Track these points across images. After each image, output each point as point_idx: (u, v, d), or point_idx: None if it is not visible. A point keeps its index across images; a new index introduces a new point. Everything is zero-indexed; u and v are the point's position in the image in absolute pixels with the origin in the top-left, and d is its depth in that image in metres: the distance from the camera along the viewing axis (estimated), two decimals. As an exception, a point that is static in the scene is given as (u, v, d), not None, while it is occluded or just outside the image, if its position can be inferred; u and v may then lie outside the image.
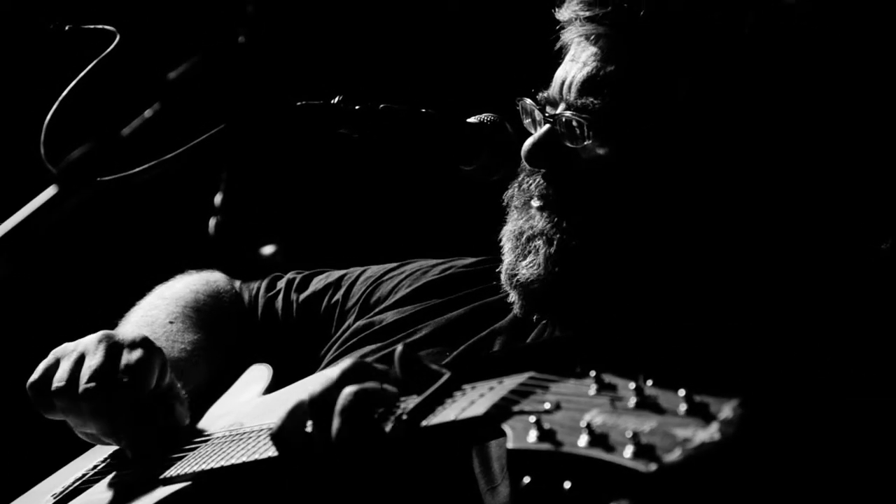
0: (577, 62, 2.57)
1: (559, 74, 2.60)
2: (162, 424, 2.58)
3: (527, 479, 1.75)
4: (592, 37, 2.56)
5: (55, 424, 2.60)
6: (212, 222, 4.37)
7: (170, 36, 3.65)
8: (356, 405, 1.98)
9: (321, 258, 4.26)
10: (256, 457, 2.27)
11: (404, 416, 1.94)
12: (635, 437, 1.64)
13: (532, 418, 1.75)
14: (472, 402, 1.90)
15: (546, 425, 1.74)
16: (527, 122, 2.64)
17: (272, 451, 2.20)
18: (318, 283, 3.08)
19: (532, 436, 1.74)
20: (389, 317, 2.81)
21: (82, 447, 2.80)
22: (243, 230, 4.40)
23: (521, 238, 2.58)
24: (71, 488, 2.72)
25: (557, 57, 2.65)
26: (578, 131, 2.52)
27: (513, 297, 2.61)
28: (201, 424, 2.66)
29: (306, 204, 4.57)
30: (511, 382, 1.89)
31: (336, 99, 2.43)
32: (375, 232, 4.44)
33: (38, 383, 2.57)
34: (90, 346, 2.57)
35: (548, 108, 2.59)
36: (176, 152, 2.19)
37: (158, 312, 3.00)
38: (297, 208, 4.57)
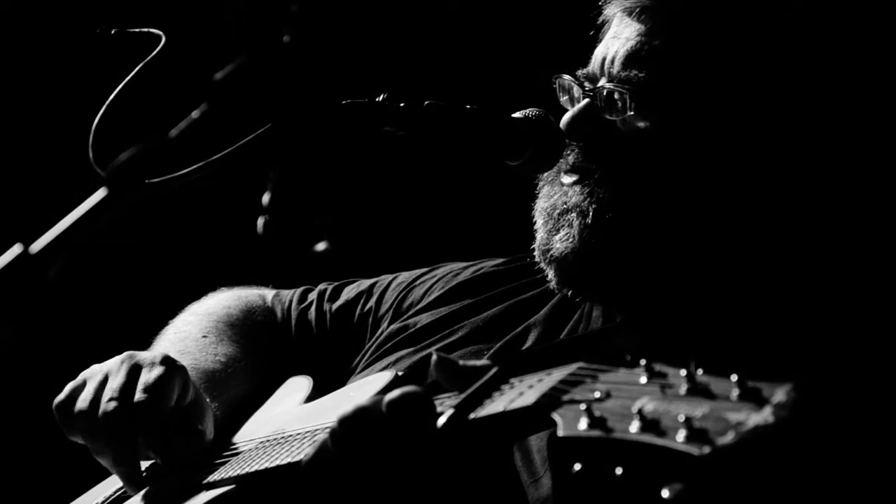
0: (619, 38, 2.58)
1: (600, 51, 2.61)
2: (188, 440, 2.58)
3: (577, 467, 1.75)
4: (636, 11, 2.56)
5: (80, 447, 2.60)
6: (260, 222, 4.39)
7: (215, 37, 3.67)
8: (405, 402, 1.97)
9: (369, 254, 4.27)
10: (296, 459, 2.27)
11: (452, 410, 1.94)
12: (688, 422, 1.64)
13: (582, 406, 1.75)
14: (520, 394, 1.90)
15: (597, 413, 1.74)
16: (563, 98, 2.65)
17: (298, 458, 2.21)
18: (349, 292, 3.09)
19: (583, 423, 1.74)
20: (424, 319, 2.81)
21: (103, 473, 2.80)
22: (292, 229, 4.42)
23: (555, 212, 2.58)
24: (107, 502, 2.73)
25: (594, 39, 2.66)
26: (620, 103, 2.52)
27: (548, 272, 2.60)
28: (240, 434, 2.66)
29: (353, 202, 4.58)
30: (560, 374, 1.89)
31: (381, 97, 2.43)
32: (420, 228, 4.44)
33: (63, 404, 2.59)
34: (113, 368, 2.60)
35: (586, 84, 2.59)
36: (223, 153, 2.20)
37: (191, 328, 3.01)
38: (344, 206, 4.58)
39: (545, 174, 2.62)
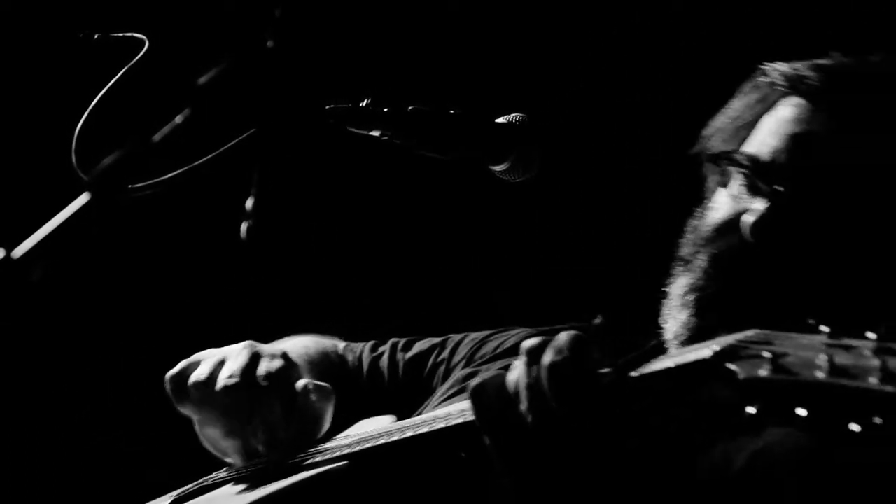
0: (804, 135, 2.47)
1: (776, 141, 2.49)
2: (293, 435, 2.62)
3: (752, 410, 1.74)
4: (826, 115, 2.47)
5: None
6: (243, 227, 4.38)
7: (198, 42, 3.67)
8: (580, 338, 1.99)
9: (353, 258, 4.28)
10: (442, 426, 2.23)
11: (613, 367, 1.92)
12: (882, 370, 1.63)
13: (765, 353, 1.74)
14: (692, 352, 1.88)
15: (780, 362, 1.73)
16: (717, 176, 2.55)
17: (459, 420, 2.18)
18: (422, 344, 3.10)
19: (764, 370, 1.73)
20: (495, 367, 2.79)
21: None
22: (275, 234, 4.41)
23: (715, 297, 2.45)
24: (192, 490, 2.74)
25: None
26: (808, 209, 2.41)
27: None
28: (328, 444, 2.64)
29: (336, 206, 4.58)
30: (736, 335, 1.86)
31: (365, 101, 2.43)
32: (403, 232, 4.44)
33: (177, 375, 2.66)
34: (233, 352, 2.67)
35: (760, 175, 2.47)
36: (207, 157, 2.21)
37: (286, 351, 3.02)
38: (327, 211, 4.58)
39: (697, 257, 2.50)
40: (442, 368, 3.01)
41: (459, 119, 2.49)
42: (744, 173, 2.49)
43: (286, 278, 4.40)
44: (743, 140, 2.57)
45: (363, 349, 3.17)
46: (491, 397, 2.07)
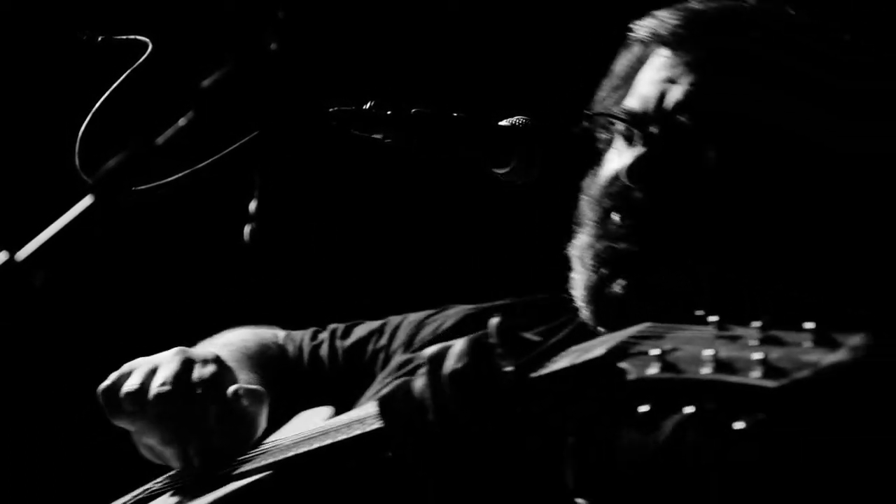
0: (671, 82, 2.57)
1: (648, 91, 2.60)
2: (228, 440, 2.60)
3: (644, 408, 1.76)
4: (689, 59, 2.57)
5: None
6: (246, 229, 4.38)
7: (202, 44, 3.67)
8: (471, 355, 2.02)
9: (356, 262, 4.27)
10: (357, 433, 2.26)
11: (513, 367, 1.95)
12: (763, 362, 1.64)
13: (654, 351, 1.76)
14: (587, 351, 1.91)
15: (668, 359, 1.74)
16: (604, 136, 2.63)
17: (373, 426, 2.19)
18: (360, 330, 3.11)
19: (653, 369, 1.75)
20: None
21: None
22: (278, 237, 4.41)
23: (610, 256, 2.56)
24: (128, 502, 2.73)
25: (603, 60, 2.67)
26: (684, 151, 2.52)
27: (590, 311, 2.59)
28: (263, 445, 2.65)
29: (339, 209, 4.58)
30: (629, 331, 1.89)
31: (368, 104, 2.43)
32: (406, 235, 4.44)
33: (109, 388, 2.62)
34: (165, 359, 2.64)
35: (635, 125, 2.59)
36: (210, 160, 2.21)
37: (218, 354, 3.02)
38: (331, 213, 4.58)
39: (589, 212, 2.61)
40: (382, 355, 3.01)
41: (462, 122, 2.49)
42: (622, 127, 2.62)
43: (289, 281, 4.40)
44: (622, 98, 2.68)
45: (303, 338, 3.17)
46: (399, 407, 2.10)
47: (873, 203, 2.55)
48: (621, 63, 2.73)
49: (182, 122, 2.04)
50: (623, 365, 1.81)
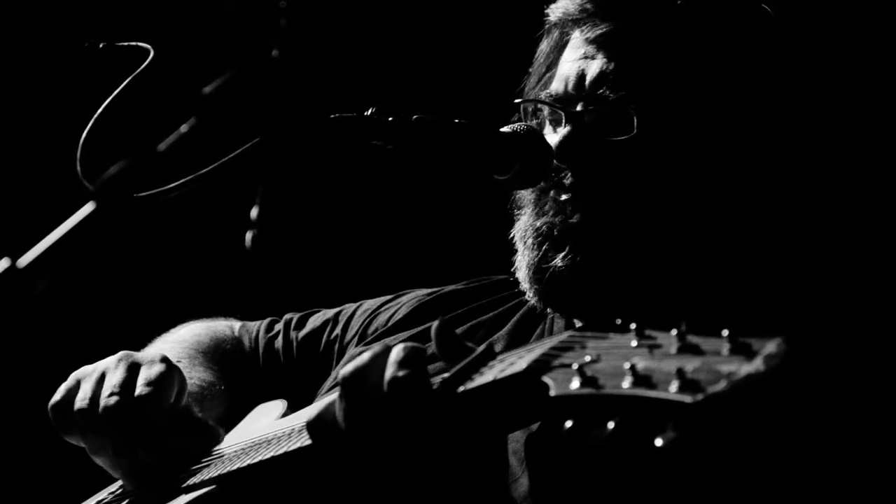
0: (588, 59, 2.60)
1: (568, 71, 2.63)
2: (181, 443, 2.58)
3: (569, 424, 1.76)
4: (601, 32, 2.60)
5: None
6: (248, 236, 4.39)
7: (204, 51, 3.67)
8: (407, 355, 2.00)
9: (357, 268, 4.27)
10: (287, 449, 2.27)
11: (440, 382, 1.95)
12: (680, 374, 1.66)
13: (575, 365, 1.76)
14: (511, 364, 1.91)
15: (588, 373, 1.75)
16: (534, 122, 2.66)
17: (305, 442, 2.21)
18: (315, 321, 3.09)
19: (575, 383, 1.75)
20: (388, 342, 2.80)
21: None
22: (279, 243, 4.41)
23: (548, 232, 2.58)
24: None
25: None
26: (606, 124, 2.54)
27: (531, 290, 2.60)
28: (215, 451, 2.65)
29: (341, 215, 4.58)
30: (550, 342, 1.90)
31: (369, 111, 2.43)
32: (408, 241, 4.44)
33: (59, 404, 2.58)
34: (110, 365, 2.59)
35: (560, 106, 2.62)
36: (212, 167, 2.20)
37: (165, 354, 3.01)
38: (332, 220, 4.58)
39: (527, 195, 2.63)
40: (336, 346, 3.00)
41: (464, 128, 2.49)
42: (548, 111, 2.66)
43: (291, 287, 4.40)
44: (547, 84, 2.71)
45: (259, 329, 3.15)
46: (324, 430, 2.09)
47: (795, 165, 2.59)
48: (543, 50, 2.77)
49: (184, 128, 2.04)
50: (545, 379, 1.81)
